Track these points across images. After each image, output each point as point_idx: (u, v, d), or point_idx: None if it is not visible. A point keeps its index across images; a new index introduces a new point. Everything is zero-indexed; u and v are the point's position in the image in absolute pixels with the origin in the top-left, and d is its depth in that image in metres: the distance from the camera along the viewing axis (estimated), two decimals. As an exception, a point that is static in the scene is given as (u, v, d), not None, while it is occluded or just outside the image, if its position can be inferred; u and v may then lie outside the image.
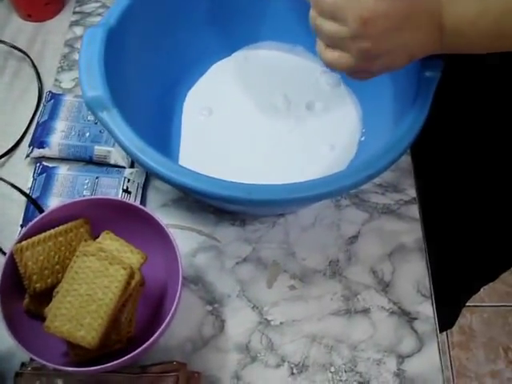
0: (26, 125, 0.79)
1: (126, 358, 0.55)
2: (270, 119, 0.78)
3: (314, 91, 0.80)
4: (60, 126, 0.76)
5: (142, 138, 0.59)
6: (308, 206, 0.72)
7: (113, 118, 0.60)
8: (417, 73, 0.62)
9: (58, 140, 0.75)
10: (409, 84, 0.63)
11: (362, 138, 0.75)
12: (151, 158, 0.58)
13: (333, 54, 0.55)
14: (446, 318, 1.31)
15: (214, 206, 0.73)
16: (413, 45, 0.53)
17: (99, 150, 0.74)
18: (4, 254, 0.69)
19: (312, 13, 0.55)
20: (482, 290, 1.55)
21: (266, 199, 0.57)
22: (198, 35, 0.78)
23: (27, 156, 0.76)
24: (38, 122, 0.78)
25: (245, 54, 0.83)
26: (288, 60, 0.82)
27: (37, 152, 0.75)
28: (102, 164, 0.75)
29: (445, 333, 1.65)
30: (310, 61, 0.81)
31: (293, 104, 0.79)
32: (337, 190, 0.58)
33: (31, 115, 0.80)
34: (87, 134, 0.75)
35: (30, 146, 0.76)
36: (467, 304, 1.58)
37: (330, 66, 0.56)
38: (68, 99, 0.78)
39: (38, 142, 0.75)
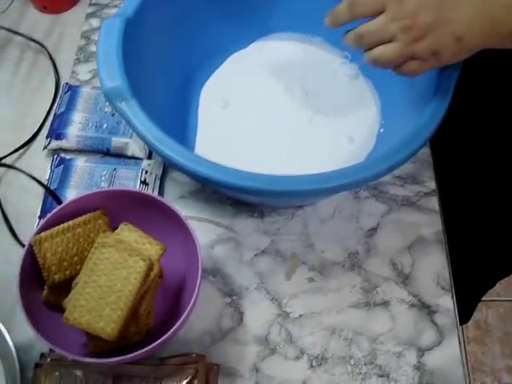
0: (44, 116, 0.79)
1: (145, 349, 0.55)
2: (286, 111, 0.77)
3: (332, 83, 0.79)
4: (77, 117, 0.76)
5: (163, 129, 0.59)
6: (327, 197, 0.72)
7: (131, 109, 0.60)
8: None
9: (75, 132, 0.75)
10: (429, 76, 0.62)
11: (381, 130, 0.74)
12: (170, 147, 0.58)
13: (377, 49, 0.55)
14: (462, 313, 1.30)
15: (231, 197, 0.72)
16: (456, 22, 0.52)
17: (116, 141, 0.74)
18: (23, 245, 0.69)
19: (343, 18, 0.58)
20: (497, 284, 1.54)
21: (286, 190, 0.56)
22: (215, 27, 0.78)
23: (45, 148, 0.75)
24: (55, 114, 0.78)
25: (262, 45, 0.83)
26: (306, 51, 0.82)
27: (54, 144, 0.75)
28: (120, 156, 0.75)
29: (460, 327, 1.63)
30: (329, 52, 0.81)
31: (310, 95, 0.78)
32: (357, 182, 0.58)
33: (48, 107, 0.80)
34: (104, 126, 0.75)
35: (47, 138, 0.76)
36: (483, 299, 1.57)
37: (377, 63, 0.57)
38: (85, 91, 0.78)
39: (56, 133, 0.75)
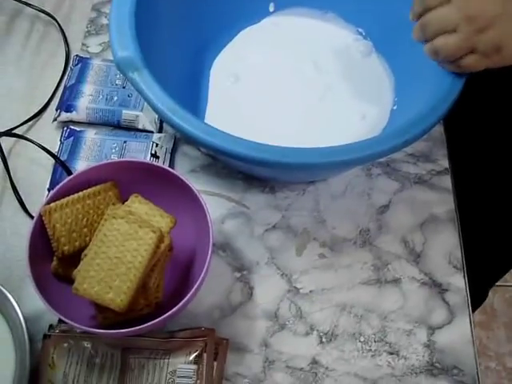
0: (54, 88, 0.79)
1: (154, 321, 0.54)
2: (298, 87, 0.76)
3: (345, 59, 0.78)
4: (87, 89, 0.75)
5: (175, 99, 0.58)
6: (339, 173, 0.71)
7: (143, 78, 0.59)
8: None
9: (85, 104, 0.74)
10: None
11: (395, 107, 0.73)
12: (182, 117, 0.57)
13: (438, 39, 0.55)
14: (474, 298, 1.28)
15: (242, 172, 0.72)
16: None
17: (127, 114, 0.73)
18: (32, 217, 0.69)
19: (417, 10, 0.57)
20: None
21: (298, 162, 0.56)
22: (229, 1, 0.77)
23: (54, 120, 0.75)
24: (65, 86, 0.77)
25: (274, 20, 0.82)
26: (318, 27, 0.81)
27: (64, 116, 0.74)
28: (130, 129, 0.74)
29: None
30: (342, 27, 0.80)
31: (323, 71, 0.77)
32: (371, 155, 0.57)
33: (58, 79, 0.79)
34: (115, 98, 0.74)
35: (57, 110, 0.75)
36: (490, 283, 1.56)
37: (438, 54, 0.56)
38: (95, 63, 0.77)
39: (66, 105, 0.74)
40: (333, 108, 0.74)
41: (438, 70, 0.62)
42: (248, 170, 0.70)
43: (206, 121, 0.73)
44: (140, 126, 0.74)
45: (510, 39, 0.52)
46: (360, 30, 0.79)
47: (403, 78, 0.74)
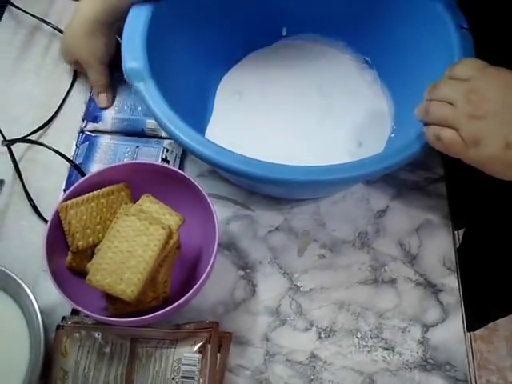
0: (64, 95, 0.83)
1: (162, 311, 0.57)
2: (299, 110, 0.79)
3: (349, 86, 0.81)
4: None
5: (177, 112, 0.61)
6: (325, 193, 0.74)
7: (147, 88, 0.63)
8: None
9: (111, 114, 0.78)
10: None
11: (392, 135, 0.76)
12: (179, 128, 0.60)
13: (441, 130, 0.56)
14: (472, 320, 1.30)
15: (244, 188, 0.75)
16: None
17: (150, 123, 0.77)
18: (44, 219, 0.72)
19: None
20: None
21: (283, 178, 0.58)
22: (242, 22, 0.79)
23: (81, 131, 0.78)
24: (90, 97, 0.81)
25: (285, 43, 0.84)
26: (327, 53, 0.83)
27: (91, 126, 0.78)
28: (148, 136, 0.78)
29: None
30: (350, 55, 0.83)
31: (326, 97, 0.80)
32: (346, 179, 0.59)
33: (68, 87, 0.84)
34: (139, 109, 0.78)
35: (83, 120, 0.79)
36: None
37: (429, 114, 0.57)
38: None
39: (92, 116, 0.79)
40: (331, 133, 0.77)
41: None
42: (248, 187, 0.74)
43: (207, 134, 0.77)
44: (163, 135, 0.77)
45: (492, 140, 0.53)
46: (367, 58, 0.82)
47: (403, 107, 0.76)
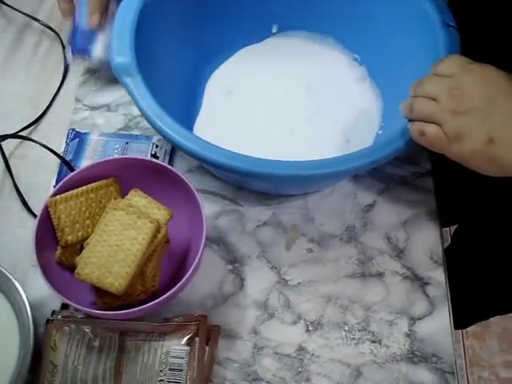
0: (54, 92, 0.84)
1: (150, 303, 0.58)
2: (288, 107, 0.79)
3: (338, 83, 0.81)
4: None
5: (165, 107, 0.62)
6: (306, 188, 0.75)
7: (135, 84, 0.63)
8: None
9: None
10: None
11: (380, 132, 0.76)
12: (165, 123, 0.61)
13: (425, 126, 0.57)
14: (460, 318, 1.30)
15: (232, 183, 0.76)
16: (499, 127, 0.53)
17: None
18: (34, 214, 0.73)
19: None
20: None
21: (264, 172, 0.59)
22: (232, 19, 0.80)
23: (71, 129, 0.78)
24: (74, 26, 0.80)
25: (275, 40, 0.85)
26: (317, 50, 0.83)
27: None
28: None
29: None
30: (339, 52, 0.83)
31: (315, 93, 0.80)
32: (329, 173, 0.60)
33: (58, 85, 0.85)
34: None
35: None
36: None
37: (413, 110, 0.58)
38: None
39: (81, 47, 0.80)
40: (319, 130, 0.77)
41: None
42: (235, 182, 0.75)
43: (195, 130, 0.77)
44: None
45: (475, 135, 0.54)
46: (356, 56, 0.82)
47: (391, 104, 0.76)
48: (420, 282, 0.70)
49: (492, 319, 1.64)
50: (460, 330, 1.65)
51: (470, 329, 1.66)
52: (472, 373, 1.61)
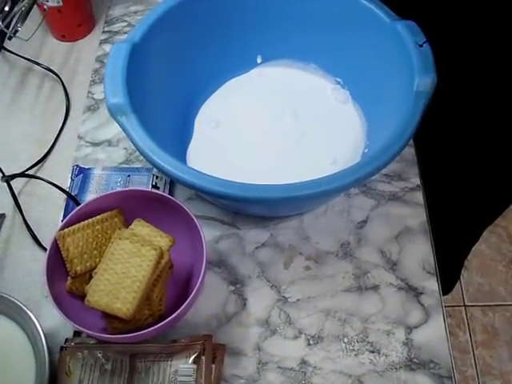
0: (58, 130, 0.88)
1: (157, 326, 0.61)
2: (275, 134, 0.83)
3: (322, 107, 0.84)
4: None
5: (159, 142, 0.65)
6: (297, 209, 0.78)
7: (130, 122, 0.67)
8: (412, 89, 0.67)
9: None
10: (406, 99, 0.68)
11: (366, 150, 0.79)
12: (161, 158, 0.64)
13: None
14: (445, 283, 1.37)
15: (230, 210, 0.79)
16: None
17: None
18: (44, 248, 0.77)
19: None
20: (504, 289, 1.62)
21: (259, 197, 0.62)
22: (217, 53, 0.84)
23: (75, 165, 0.82)
24: None
25: (260, 70, 0.88)
26: (300, 76, 0.87)
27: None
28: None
29: (468, 332, 1.69)
30: (322, 77, 0.86)
31: (300, 120, 0.83)
32: (317, 193, 0.63)
33: (61, 123, 0.89)
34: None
35: None
36: (489, 303, 1.63)
37: None
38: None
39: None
40: (307, 153, 0.80)
41: (401, 116, 0.67)
42: (232, 208, 0.78)
43: (188, 160, 0.80)
44: None
45: None
46: (338, 79, 0.86)
47: (375, 123, 0.80)
48: (414, 292, 0.73)
49: (500, 327, 1.68)
50: (469, 340, 1.67)
51: (478, 338, 1.68)
52: (484, 382, 1.62)
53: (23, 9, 0.84)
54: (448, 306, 1.69)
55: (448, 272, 1.14)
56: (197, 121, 0.85)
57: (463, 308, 1.73)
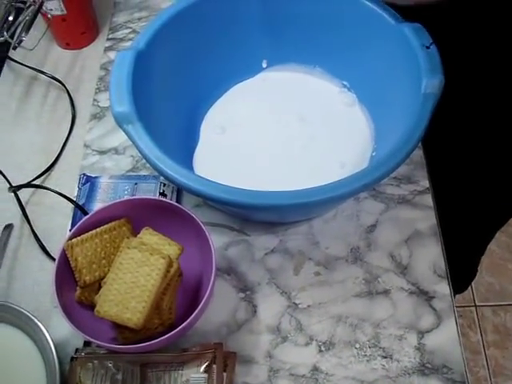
0: (64, 140, 0.88)
1: (167, 335, 0.61)
2: (282, 139, 0.82)
3: (329, 111, 0.84)
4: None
5: (166, 150, 0.65)
6: (305, 215, 0.77)
7: (136, 130, 0.67)
8: (420, 91, 0.67)
9: None
10: (413, 101, 0.68)
11: (373, 153, 0.79)
12: (167, 166, 0.64)
13: None
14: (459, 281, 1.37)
15: (239, 217, 0.79)
16: None
17: None
18: (52, 258, 0.77)
19: None
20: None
21: (268, 204, 0.62)
22: (222, 59, 0.84)
23: (82, 174, 0.82)
24: None
25: (266, 75, 0.88)
26: (306, 80, 0.87)
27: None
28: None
29: (479, 332, 1.68)
30: (328, 81, 0.86)
31: (307, 122, 0.83)
32: (323, 200, 0.62)
33: (67, 133, 0.89)
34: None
35: None
36: (500, 303, 1.63)
37: None
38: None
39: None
40: (314, 158, 0.80)
41: (409, 118, 0.67)
42: (239, 215, 0.78)
43: (194, 167, 0.80)
44: None
45: None
46: (345, 82, 0.85)
47: (382, 126, 0.80)
48: (425, 296, 0.73)
49: (511, 327, 1.67)
50: (481, 341, 1.66)
51: (490, 338, 1.67)
52: (497, 383, 1.61)
53: (27, 18, 0.83)
54: (459, 307, 1.68)
55: (461, 272, 1.13)
56: (202, 127, 0.85)
57: (474, 308, 1.72)
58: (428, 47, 0.69)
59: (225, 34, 0.82)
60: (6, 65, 0.98)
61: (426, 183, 0.80)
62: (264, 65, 0.88)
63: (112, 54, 0.98)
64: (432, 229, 0.77)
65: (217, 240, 0.75)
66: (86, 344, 0.70)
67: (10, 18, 0.83)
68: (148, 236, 0.68)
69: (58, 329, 0.69)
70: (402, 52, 0.71)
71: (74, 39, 0.99)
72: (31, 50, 0.88)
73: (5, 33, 0.82)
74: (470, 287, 1.74)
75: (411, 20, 0.72)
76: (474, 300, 1.74)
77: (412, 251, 0.76)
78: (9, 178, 0.81)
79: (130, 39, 1.00)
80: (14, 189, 0.80)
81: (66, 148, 0.88)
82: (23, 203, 0.80)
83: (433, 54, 0.69)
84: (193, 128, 0.84)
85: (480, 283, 1.76)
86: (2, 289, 0.75)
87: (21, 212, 0.80)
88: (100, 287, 0.67)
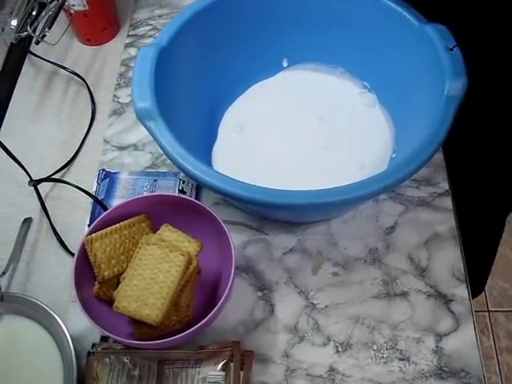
0: (84, 135, 0.89)
1: (185, 333, 0.61)
2: (301, 139, 0.82)
3: (349, 111, 0.84)
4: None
5: (186, 147, 0.65)
6: (324, 215, 0.77)
7: (158, 127, 0.67)
8: (443, 93, 0.67)
9: None
10: (436, 103, 0.67)
11: (393, 155, 0.78)
12: (186, 160, 0.64)
13: None
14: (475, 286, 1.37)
15: (258, 215, 0.79)
16: None
17: None
18: (70, 252, 0.77)
19: None
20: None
21: (288, 203, 0.62)
22: (243, 57, 0.83)
23: (102, 169, 0.82)
24: None
25: (286, 74, 0.88)
26: (327, 80, 0.86)
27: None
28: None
29: (492, 338, 1.67)
30: (348, 81, 0.86)
31: (327, 123, 0.83)
32: (343, 200, 0.62)
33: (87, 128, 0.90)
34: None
35: None
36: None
37: None
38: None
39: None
40: (334, 158, 0.80)
41: (430, 120, 0.67)
42: (259, 213, 0.78)
43: (213, 164, 0.80)
44: None
45: None
46: (365, 83, 0.85)
47: (403, 127, 0.79)
48: (444, 299, 0.72)
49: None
50: (493, 347, 1.65)
51: (503, 344, 1.66)
52: (510, 388, 1.61)
53: (50, 13, 0.84)
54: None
55: (478, 275, 1.13)
56: (221, 125, 0.85)
57: (487, 313, 1.72)
58: (451, 49, 0.68)
59: (247, 32, 0.82)
60: (26, 59, 0.98)
61: (445, 185, 0.80)
62: (285, 64, 0.88)
63: (132, 51, 0.98)
64: (451, 231, 0.77)
65: (235, 238, 0.75)
66: (103, 339, 0.70)
67: (34, 13, 0.83)
68: (167, 233, 0.68)
69: (75, 323, 0.70)
70: (424, 53, 0.71)
71: (95, 35, 0.99)
72: (54, 44, 0.88)
73: (28, 27, 0.83)
74: (483, 292, 1.73)
75: (434, 21, 0.72)
76: (487, 305, 1.73)
77: (431, 253, 0.75)
78: (29, 172, 0.81)
79: (151, 36, 1.00)
80: (34, 183, 0.80)
81: (86, 143, 0.88)
82: (42, 197, 0.81)
83: (456, 56, 0.68)
84: (211, 126, 0.84)
85: (493, 288, 1.75)
86: (20, 282, 0.76)
87: (40, 206, 0.80)
88: (118, 283, 0.67)
